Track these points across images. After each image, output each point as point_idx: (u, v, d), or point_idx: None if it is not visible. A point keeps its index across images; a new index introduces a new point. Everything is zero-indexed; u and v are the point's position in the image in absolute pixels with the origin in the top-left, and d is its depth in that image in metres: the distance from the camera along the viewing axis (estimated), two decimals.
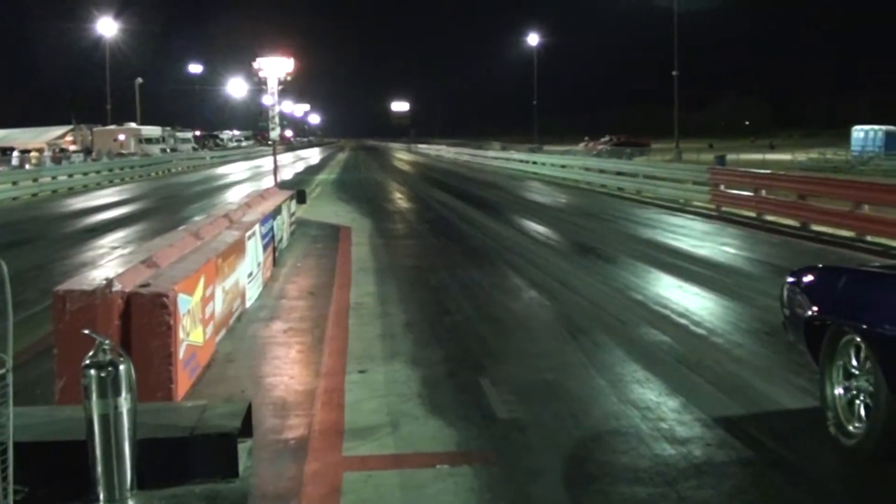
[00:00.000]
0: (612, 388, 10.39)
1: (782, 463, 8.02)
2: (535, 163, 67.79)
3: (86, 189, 54.38)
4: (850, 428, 8.20)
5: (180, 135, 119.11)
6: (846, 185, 27.84)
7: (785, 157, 77.59)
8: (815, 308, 8.72)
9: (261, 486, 7.60)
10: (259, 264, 16.69)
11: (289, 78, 36.76)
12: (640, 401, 9.87)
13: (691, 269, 19.01)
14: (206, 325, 11.43)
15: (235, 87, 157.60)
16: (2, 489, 6.57)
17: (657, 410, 9.50)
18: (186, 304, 10.38)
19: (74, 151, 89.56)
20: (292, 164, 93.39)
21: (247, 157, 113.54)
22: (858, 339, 8.02)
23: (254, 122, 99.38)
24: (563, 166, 59.93)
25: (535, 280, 18.10)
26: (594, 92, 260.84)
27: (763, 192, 30.25)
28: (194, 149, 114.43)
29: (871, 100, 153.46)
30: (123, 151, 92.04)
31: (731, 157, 69.68)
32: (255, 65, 36.25)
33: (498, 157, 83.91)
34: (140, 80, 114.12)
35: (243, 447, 7.94)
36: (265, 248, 17.83)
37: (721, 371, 11.02)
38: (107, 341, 7.12)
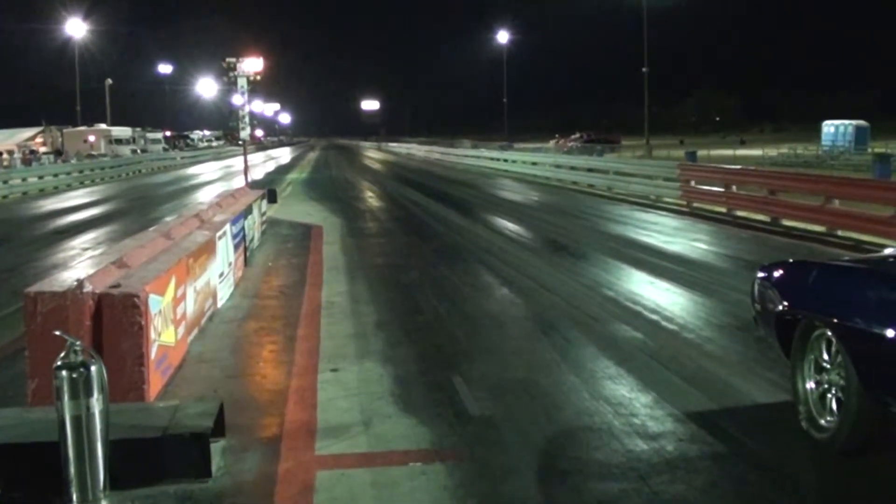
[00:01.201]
0: (584, 385, 10.41)
1: (754, 457, 8.04)
2: (506, 160, 67.77)
3: (56, 191, 54.12)
4: (822, 422, 8.25)
5: (150, 135, 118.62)
6: (817, 180, 27.95)
7: (756, 152, 77.96)
8: (785, 302, 8.76)
9: (234, 485, 7.59)
10: (230, 264, 16.66)
11: (258, 77, 36.70)
12: (613, 397, 9.90)
13: (663, 266, 19.05)
14: (177, 325, 11.41)
15: (205, 87, 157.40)
16: None
17: (629, 406, 9.53)
18: (158, 304, 10.35)
19: (45, 153, 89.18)
20: (263, 163, 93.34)
21: (217, 157, 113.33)
22: (829, 333, 8.06)
23: (224, 122, 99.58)
24: (533, 163, 59.99)
25: (507, 278, 18.11)
26: (564, 89, 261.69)
27: (733, 188, 30.33)
28: (165, 149, 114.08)
29: (840, 95, 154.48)
30: (94, 152, 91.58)
31: (701, 152, 69.83)
32: (225, 65, 36.18)
33: (468, 156, 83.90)
34: (109, 80, 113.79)
35: (216, 447, 7.94)
36: (236, 247, 17.80)
37: (693, 366, 11.05)
38: (78, 342, 7.10)
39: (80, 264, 13.06)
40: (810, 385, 8.46)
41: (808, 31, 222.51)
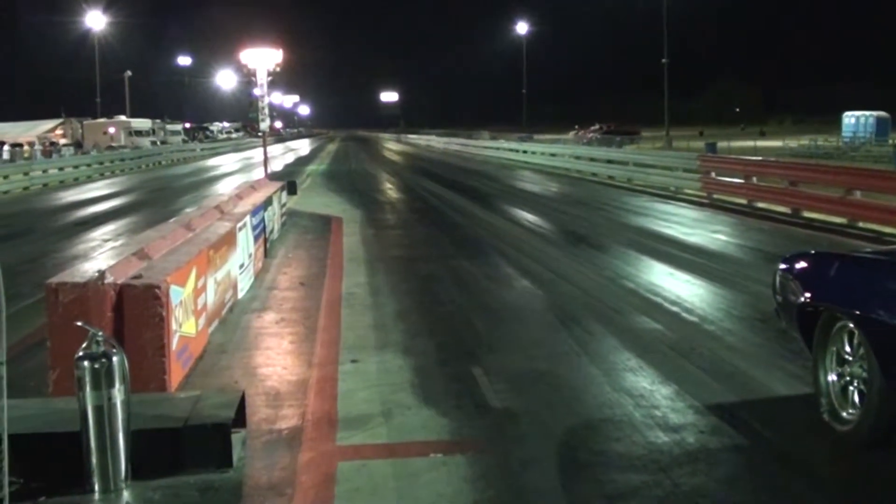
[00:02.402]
0: (604, 377, 10.40)
1: (775, 449, 8.03)
2: (525, 152, 67.69)
3: (76, 182, 54.27)
4: (844, 414, 8.22)
5: (170, 127, 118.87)
6: (837, 172, 27.84)
7: (776, 143, 77.61)
8: (807, 294, 8.72)
9: (255, 475, 7.60)
10: (250, 255, 16.68)
11: (278, 69, 36.66)
12: (634, 389, 9.88)
13: (683, 257, 19.02)
14: (198, 316, 11.43)
15: (225, 79, 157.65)
16: None
17: (650, 398, 9.52)
18: (178, 295, 10.37)
19: (65, 145, 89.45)
20: (282, 155, 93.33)
21: (237, 149, 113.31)
22: (851, 325, 8.03)
23: (243, 114, 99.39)
24: (553, 155, 59.89)
25: (527, 269, 18.10)
26: (583, 80, 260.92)
27: (754, 179, 30.25)
28: (184, 141, 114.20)
29: (861, 86, 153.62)
30: (114, 144, 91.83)
31: (721, 144, 69.72)
32: (244, 57, 36.18)
33: (488, 147, 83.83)
34: (129, 72, 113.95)
35: (237, 437, 7.96)
36: (256, 239, 17.82)
37: (714, 358, 11.03)
38: (100, 333, 7.14)
39: (101, 255, 13.09)
40: (832, 377, 8.44)
41: (827, 22, 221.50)
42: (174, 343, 9.97)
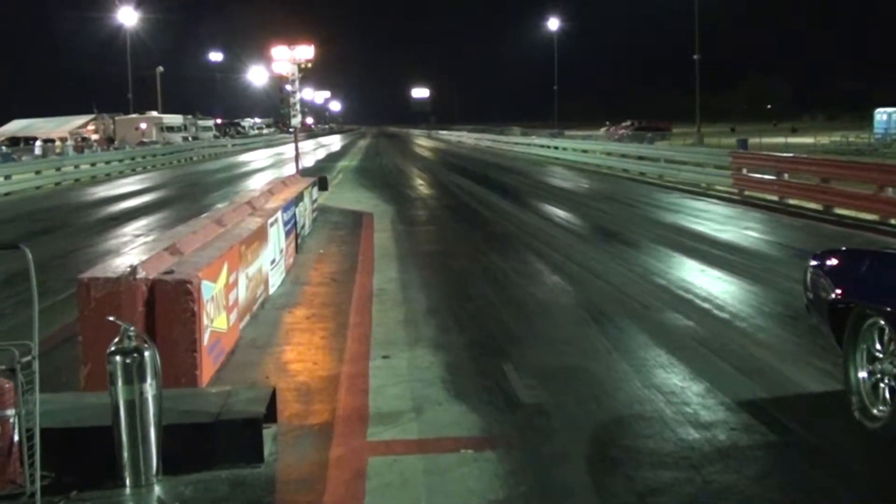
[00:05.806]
0: (635, 373, 10.38)
1: (806, 446, 8.00)
2: (556, 148, 67.62)
3: (108, 178, 54.51)
4: (875, 411, 8.18)
5: (202, 123, 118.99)
6: (869, 168, 27.70)
7: (807, 140, 77.30)
8: (838, 291, 8.69)
9: (285, 471, 7.63)
10: (282, 251, 16.72)
11: (309, 65, 36.76)
12: (664, 385, 9.86)
13: (714, 254, 18.96)
14: (229, 311, 11.47)
15: (256, 75, 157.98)
16: (29, 475, 6.63)
17: (681, 395, 9.49)
18: (210, 290, 10.41)
19: (97, 140, 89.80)
20: (314, 151, 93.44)
21: (268, 145, 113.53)
22: (882, 322, 8.00)
23: (275, 110, 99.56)
24: (584, 151, 59.82)
25: (558, 265, 18.09)
26: (614, 76, 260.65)
27: (785, 176, 30.10)
28: (216, 137, 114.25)
29: (894, 83, 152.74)
30: (145, 140, 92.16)
31: (753, 140, 69.33)
32: (275, 53, 36.28)
33: (519, 143, 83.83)
34: (161, 68, 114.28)
35: (268, 433, 7.99)
36: (287, 234, 17.86)
37: (745, 355, 10.99)
38: (132, 328, 7.18)
39: (132, 250, 13.16)
40: (863, 374, 8.40)
41: (860, 18, 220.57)
42: (206, 338, 10.01)
